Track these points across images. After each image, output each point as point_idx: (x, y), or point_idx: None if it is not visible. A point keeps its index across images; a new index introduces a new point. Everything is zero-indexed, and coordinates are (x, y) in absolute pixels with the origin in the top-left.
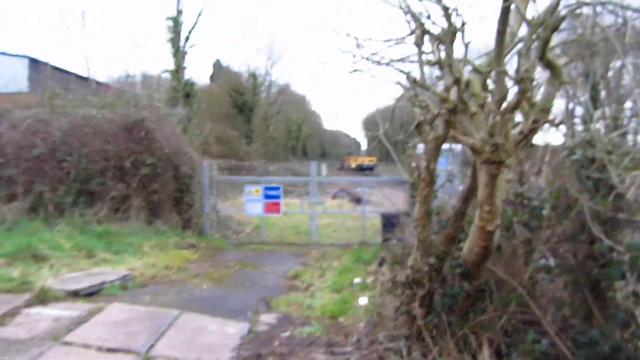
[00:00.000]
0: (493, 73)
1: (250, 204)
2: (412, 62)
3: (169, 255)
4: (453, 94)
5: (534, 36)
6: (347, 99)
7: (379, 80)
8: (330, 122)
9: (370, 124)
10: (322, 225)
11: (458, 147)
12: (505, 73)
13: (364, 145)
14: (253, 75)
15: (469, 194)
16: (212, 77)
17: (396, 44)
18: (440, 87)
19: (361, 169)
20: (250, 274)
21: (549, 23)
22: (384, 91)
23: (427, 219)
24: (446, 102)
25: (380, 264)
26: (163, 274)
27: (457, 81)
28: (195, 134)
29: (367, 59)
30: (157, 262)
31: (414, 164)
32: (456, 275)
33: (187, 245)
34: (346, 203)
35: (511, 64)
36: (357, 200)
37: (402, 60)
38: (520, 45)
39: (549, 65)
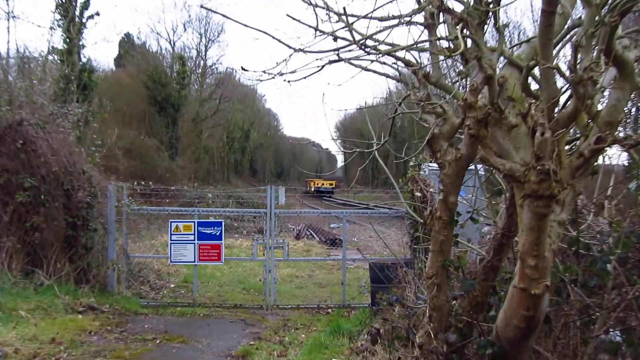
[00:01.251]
0: (538, 69)
1: (176, 246)
2: (421, 50)
3: (57, 322)
4: (483, 98)
5: (596, 20)
6: (320, 95)
7: (369, 76)
8: (293, 127)
9: (349, 129)
10: (283, 278)
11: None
12: (556, 70)
13: (340, 160)
14: (180, 59)
15: (504, 239)
16: (119, 61)
17: (399, 24)
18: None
19: (319, 192)
20: (177, 352)
21: (617, 2)
22: (374, 88)
23: (444, 275)
24: (473, 109)
25: (373, 340)
26: (48, 351)
27: (488, 79)
28: (96, 144)
29: (359, 44)
30: (40, 333)
31: (417, 193)
32: (486, 358)
33: (84, 308)
34: (316, 245)
35: (564, 56)
36: (333, 242)
37: (408, 47)
38: (575, 32)
39: (617, 60)
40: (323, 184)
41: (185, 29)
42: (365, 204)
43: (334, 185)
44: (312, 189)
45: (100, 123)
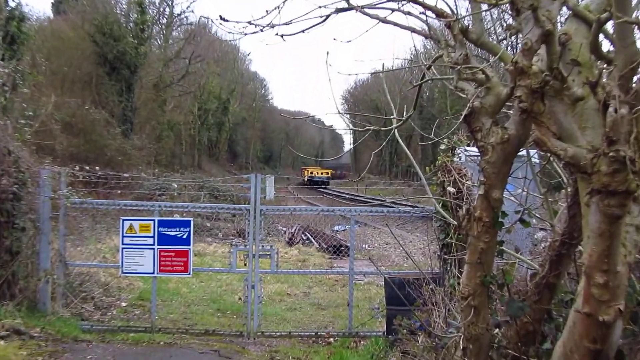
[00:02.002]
0: (612, 24)
1: (130, 253)
2: None
3: None
4: (539, 61)
5: None
6: (323, 55)
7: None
8: (287, 98)
9: (360, 101)
10: (270, 296)
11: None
12: (637, 25)
13: (348, 142)
14: (139, 5)
15: (563, 249)
16: (59, 6)
17: None
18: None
19: (311, 182)
20: None
21: None
22: (394, 47)
23: (484, 295)
24: (526, 76)
25: None
26: None
27: (546, 37)
28: (27, 116)
29: None
30: None
31: (451, 189)
32: None
33: (7, 332)
34: (315, 254)
35: None
36: (337, 250)
37: None
38: None
39: None
40: (316, 173)
41: None
42: (380, 199)
43: (329, 175)
44: (305, 179)
45: (33, 88)
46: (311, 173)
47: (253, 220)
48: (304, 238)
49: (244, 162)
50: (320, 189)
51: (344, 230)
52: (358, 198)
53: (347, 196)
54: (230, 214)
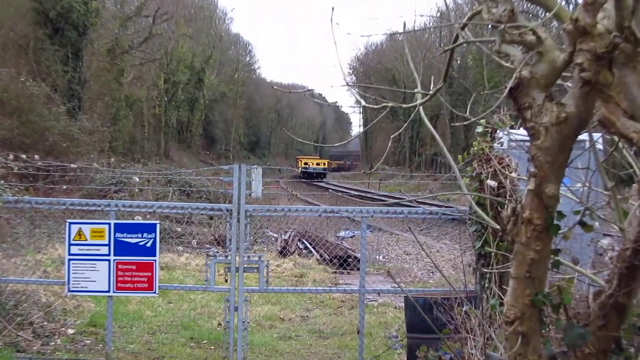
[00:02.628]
0: None
1: (79, 265)
2: None
3: None
4: (605, 19)
5: None
6: (327, 13)
7: None
8: (279, 68)
9: (374, 71)
10: (259, 321)
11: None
12: None
13: (355, 121)
14: None
15: (636, 259)
16: None
17: None
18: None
19: (305, 174)
20: None
21: None
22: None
23: (534, 319)
24: (589, 37)
25: None
26: None
27: None
28: None
29: None
30: None
31: (491, 182)
32: None
33: None
34: (315, 267)
35: None
36: (343, 262)
37: None
38: None
39: None
40: (310, 163)
41: None
42: (398, 197)
43: (325, 165)
44: (299, 170)
45: None
46: (305, 163)
47: (236, 224)
48: (301, 247)
49: (223, 150)
50: (321, 184)
51: (352, 237)
52: (370, 195)
53: (356, 193)
54: (207, 216)
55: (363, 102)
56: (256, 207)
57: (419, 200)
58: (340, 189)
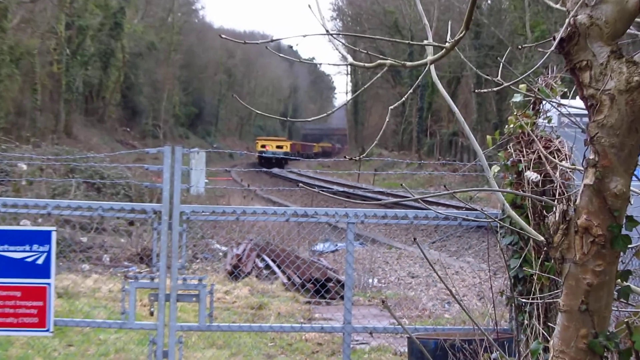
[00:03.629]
0: None
1: None
2: None
3: None
4: None
5: None
6: None
7: None
8: (231, 11)
9: (367, 15)
10: None
11: None
12: None
13: (341, 86)
14: None
15: None
16: None
17: None
18: None
19: (263, 160)
20: None
21: None
22: None
23: None
24: None
25: None
26: None
27: None
28: None
29: None
30: None
31: (532, 175)
32: None
33: None
34: (280, 293)
35: None
36: (320, 288)
37: None
38: None
39: None
40: (269, 146)
41: None
42: (399, 195)
43: (287, 149)
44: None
45: None
46: (262, 146)
47: (167, 232)
48: (261, 265)
49: (150, 126)
50: (291, 175)
51: (333, 252)
52: (360, 192)
53: (340, 189)
54: (126, 221)
55: (350, 59)
56: (196, 208)
57: (430, 199)
58: (317, 183)
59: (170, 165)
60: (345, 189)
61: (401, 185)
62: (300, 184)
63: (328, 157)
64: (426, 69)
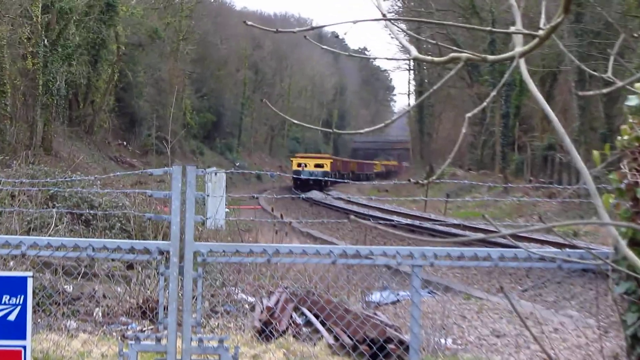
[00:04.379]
0: None
1: None
2: None
3: None
4: None
5: None
6: None
7: None
8: None
9: None
10: None
11: None
12: None
13: (401, 86)
14: None
15: None
16: None
17: None
18: None
19: (301, 184)
20: None
21: None
22: None
23: None
24: None
25: None
26: None
27: None
28: None
29: None
30: None
31: None
32: None
33: None
34: (322, 357)
35: None
36: (377, 351)
37: None
38: None
39: None
40: (306, 164)
41: None
42: (479, 229)
43: (327, 168)
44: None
45: None
46: (298, 165)
47: (176, 279)
48: (300, 321)
49: (153, 139)
50: (338, 203)
51: (395, 304)
52: (428, 225)
53: (403, 220)
54: (123, 264)
55: (414, 51)
56: (215, 247)
57: (521, 234)
58: (371, 213)
59: (181, 191)
60: (409, 221)
61: (482, 216)
62: (352, 216)
63: (387, 178)
64: (514, 63)
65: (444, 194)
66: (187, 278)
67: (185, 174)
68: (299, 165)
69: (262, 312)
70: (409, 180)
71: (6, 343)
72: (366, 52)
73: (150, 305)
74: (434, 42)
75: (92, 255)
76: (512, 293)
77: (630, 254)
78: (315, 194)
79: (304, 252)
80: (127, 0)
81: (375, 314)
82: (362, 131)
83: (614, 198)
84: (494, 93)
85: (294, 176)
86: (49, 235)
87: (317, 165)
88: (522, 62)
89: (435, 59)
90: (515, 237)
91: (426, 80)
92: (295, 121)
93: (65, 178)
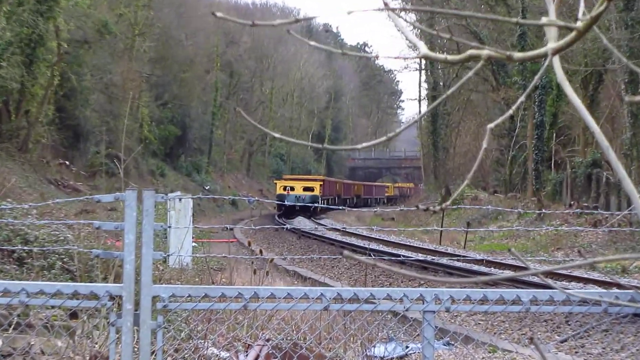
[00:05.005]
0: None
1: None
2: None
3: None
4: None
5: None
6: None
7: None
8: None
9: None
10: None
11: None
12: None
13: (410, 86)
14: None
15: None
16: None
17: None
18: None
19: (284, 212)
20: None
21: None
22: None
23: None
24: None
25: None
26: None
27: None
28: None
29: None
30: None
31: None
32: None
33: None
34: None
35: None
36: None
37: None
38: None
39: None
40: (292, 188)
41: None
42: (506, 265)
43: (318, 192)
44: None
45: None
46: (284, 188)
47: (132, 330)
48: None
49: (102, 158)
50: (330, 234)
51: (403, 358)
52: (444, 261)
53: (414, 254)
54: (65, 311)
55: (424, 48)
56: (179, 291)
57: (558, 271)
58: (373, 247)
59: (136, 222)
60: (420, 256)
61: (508, 250)
62: (346, 252)
63: (400, 202)
64: (547, 62)
65: (464, 223)
66: (143, 329)
67: (142, 201)
68: (285, 188)
69: None
70: (417, 206)
71: None
72: (367, 49)
73: None
74: (449, 36)
75: (26, 301)
76: (547, 344)
77: None
78: (304, 224)
79: (289, 296)
80: None
81: None
82: (360, 146)
83: None
84: (522, 99)
85: (278, 202)
86: None
87: (306, 189)
88: (556, 60)
89: (449, 57)
90: (551, 275)
91: (441, 83)
92: (278, 135)
93: None
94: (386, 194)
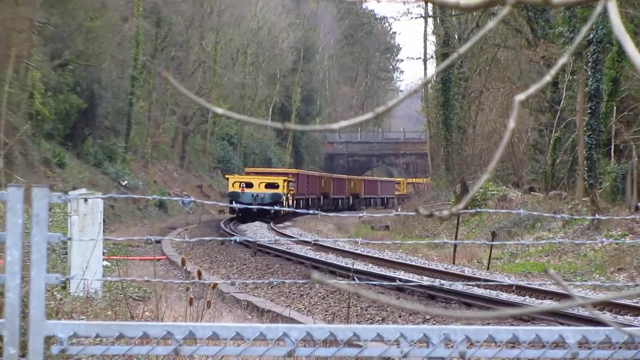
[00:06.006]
0: None
1: None
2: None
3: None
4: None
5: None
6: None
7: None
8: None
9: None
10: None
11: None
12: None
13: (411, 42)
14: None
15: None
16: None
17: None
18: None
19: (240, 216)
20: None
21: None
22: None
23: None
24: None
25: None
26: None
27: None
28: None
29: None
30: None
31: None
32: None
33: None
34: None
35: None
36: None
37: None
38: None
39: None
40: (252, 184)
41: None
42: (548, 292)
43: (284, 189)
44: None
45: None
46: (239, 184)
47: None
48: None
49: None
50: (298, 246)
51: None
52: (459, 287)
53: (415, 276)
54: None
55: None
56: (84, 329)
57: (617, 300)
58: (360, 267)
59: (22, 231)
60: (424, 279)
61: (544, 271)
62: (315, 274)
63: (387, 205)
64: (600, 5)
65: (487, 234)
66: None
67: (31, 202)
68: (240, 185)
69: None
70: (417, 211)
71: None
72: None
73: None
74: None
75: None
76: None
77: None
78: (261, 233)
79: (239, 337)
80: None
81: None
82: (338, 125)
83: None
84: (565, 58)
85: (231, 203)
86: None
87: (268, 185)
88: (612, 4)
89: (463, 0)
90: (608, 306)
91: (456, 36)
92: (222, 110)
93: None
94: (397, 192)
